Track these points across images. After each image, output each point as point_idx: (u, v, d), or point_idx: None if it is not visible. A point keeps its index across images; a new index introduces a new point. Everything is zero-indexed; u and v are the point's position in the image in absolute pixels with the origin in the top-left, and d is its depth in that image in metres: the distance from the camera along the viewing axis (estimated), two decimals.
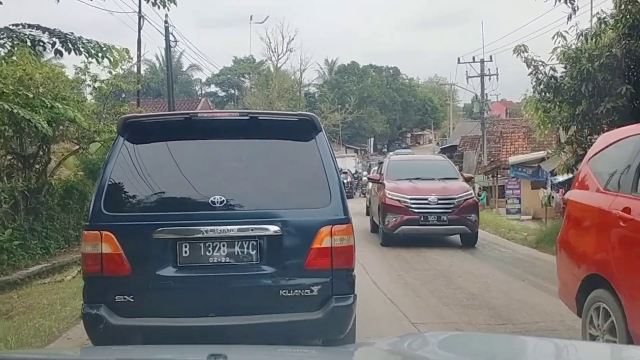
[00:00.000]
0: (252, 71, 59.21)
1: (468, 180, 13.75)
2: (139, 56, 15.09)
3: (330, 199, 4.33)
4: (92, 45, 7.43)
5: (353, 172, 42.28)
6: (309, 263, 4.26)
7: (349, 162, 45.71)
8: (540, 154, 24.07)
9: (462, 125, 53.57)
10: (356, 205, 26.88)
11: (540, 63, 10.33)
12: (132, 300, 4.18)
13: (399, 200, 12.03)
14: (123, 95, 30.85)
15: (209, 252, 4.25)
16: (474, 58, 32.66)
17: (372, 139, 70.90)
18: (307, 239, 4.27)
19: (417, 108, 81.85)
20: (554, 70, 10.37)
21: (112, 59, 7.33)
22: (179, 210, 4.33)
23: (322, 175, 4.40)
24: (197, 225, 4.22)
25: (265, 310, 4.27)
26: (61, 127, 11.69)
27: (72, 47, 7.33)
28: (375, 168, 23.89)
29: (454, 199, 11.95)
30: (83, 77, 12.53)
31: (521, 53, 10.35)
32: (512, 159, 24.21)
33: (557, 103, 10.43)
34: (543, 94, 10.42)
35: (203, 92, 65.31)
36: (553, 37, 9.97)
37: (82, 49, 7.37)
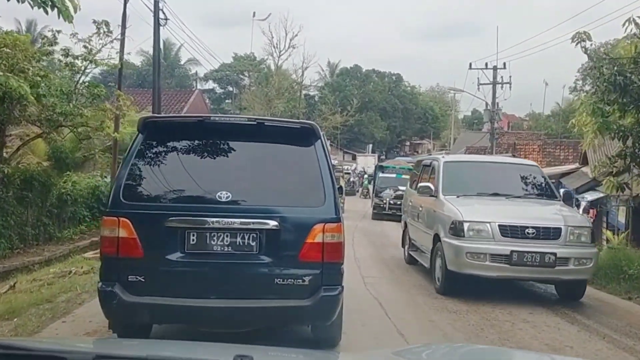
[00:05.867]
0: (252, 69, 57.31)
1: None
2: (123, 32, 13.16)
3: (324, 200, 4.78)
4: None
5: (358, 171, 46.85)
6: (303, 256, 4.70)
7: (369, 161, 52.55)
8: (561, 168, 22.32)
9: (465, 136, 52.51)
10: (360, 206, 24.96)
11: (604, 55, 8.40)
12: (143, 280, 4.61)
13: None
14: (112, 83, 28.83)
15: (214, 241, 4.69)
16: (486, 64, 30.69)
17: (371, 145, 69.46)
18: (302, 234, 4.71)
19: (418, 116, 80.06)
20: (620, 65, 8.43)
21: (62, 9, 5.40)
22: (189, 203, 4.79)
23: (318, 178, 4.85)
24: (204, 216, 4.68)
25: (261, 296, 4.76)
26: (18, 106, 9.78)
27: None
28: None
29: None
30: (50, 48, 10.59)
31: (581, 42, 8.44)
32: None
33: (621, 106, 8.51)
34: (607, 94, 8.45)
35: (200, 87, 63.23)
36: (623, 25, 8.06)
37: None
